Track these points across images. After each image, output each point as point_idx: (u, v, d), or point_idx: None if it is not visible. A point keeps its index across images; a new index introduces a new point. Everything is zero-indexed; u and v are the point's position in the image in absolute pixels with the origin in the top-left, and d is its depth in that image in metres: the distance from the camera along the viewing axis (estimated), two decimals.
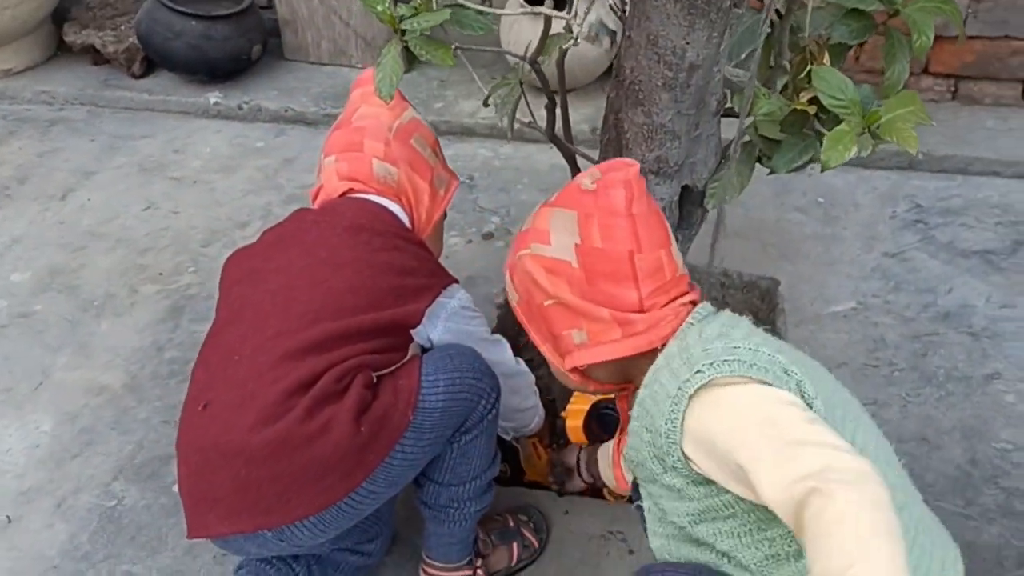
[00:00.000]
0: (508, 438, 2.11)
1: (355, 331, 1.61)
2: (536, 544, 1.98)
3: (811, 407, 1.19)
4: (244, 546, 1.59)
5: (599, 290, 1.37)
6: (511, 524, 1.99)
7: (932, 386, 2.39)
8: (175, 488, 2.17)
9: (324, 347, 1.57)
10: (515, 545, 1.96)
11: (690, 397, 1.21)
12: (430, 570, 1.87)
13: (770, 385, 1.19)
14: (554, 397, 2.25)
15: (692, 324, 1.35)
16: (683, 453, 1.23)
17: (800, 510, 1.04)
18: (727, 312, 1.40)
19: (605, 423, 2.00)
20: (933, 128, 3.33)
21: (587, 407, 2.00)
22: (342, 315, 1.61)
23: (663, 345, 1.36)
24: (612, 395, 1.84)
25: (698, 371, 1.21)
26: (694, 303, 1.42)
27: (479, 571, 1.90)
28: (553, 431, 2.25)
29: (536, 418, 2.09)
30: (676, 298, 1.40)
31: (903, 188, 3.20)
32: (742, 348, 1.23)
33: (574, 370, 1.47)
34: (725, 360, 1.21)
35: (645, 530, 1.43)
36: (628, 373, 1.47)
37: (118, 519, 2.12)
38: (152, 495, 2.17)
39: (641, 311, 1.36)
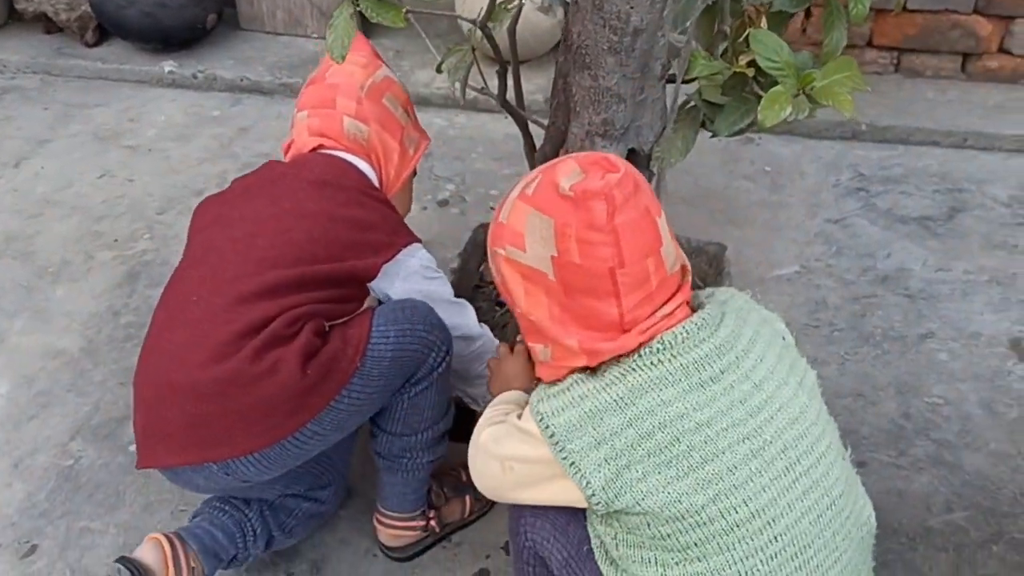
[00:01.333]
0: (478, 408, 2.13)
1: (309, 279, 1.66)
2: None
3: (630, 489, 1.26)
4: (192, 479, 1.65)
5: (578, 303, 1.30)
6: (464, 478, 2.04)
7: (869, 345, 2.48)
8: (132, 448, 2.20)
9: (277, 292, 1.63)
10: (468, 498, 2.02)
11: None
12: (384, 520, 1.92)
13: (564, 475, 1.28)
14: None
15: (632, 364, 1.28)
16: None
17: None
18: (700, 350, 1.28)
19: None
20: (876, 100, 3.45)
21: None
22: (299, 263, 1.66)
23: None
24: None
25: (537, 411, 1.31)
26: (686, 302, 1.35)
27: (432, 522, 1.96)
28: None
29: None
30: (663, 303, 1.32)
31: (847, 157, 3.29)
32: (585, 433, 1.27)
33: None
34: (547, 425, 1.29)
35: None
36: None
37: (76, 478, 2.15)
38: (109, 454, 2.20)
39: (621, 325, 1.29)
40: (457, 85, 2.10)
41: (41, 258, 2.86)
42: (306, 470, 1.79)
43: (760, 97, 1.78)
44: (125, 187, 3.20)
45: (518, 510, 1.50)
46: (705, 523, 1.24)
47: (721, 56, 1.82)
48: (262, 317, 1.59)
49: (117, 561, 1.64)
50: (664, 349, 1.27)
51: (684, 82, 1.81)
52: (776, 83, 1.70)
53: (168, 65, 3.87)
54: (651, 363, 1.27)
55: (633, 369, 1.27)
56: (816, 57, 1.80)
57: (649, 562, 1.29)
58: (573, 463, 1.26)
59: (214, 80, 3.84)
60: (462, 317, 1.91)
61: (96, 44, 4.04)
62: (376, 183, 1.92)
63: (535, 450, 1.31)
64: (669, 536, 1.26)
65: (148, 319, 2.56)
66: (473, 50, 2.08)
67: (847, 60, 1.77)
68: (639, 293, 1.28)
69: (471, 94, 2.14)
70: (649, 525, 1.26)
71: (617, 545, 1.34)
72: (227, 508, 1.82)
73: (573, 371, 1.33)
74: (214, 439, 1.57)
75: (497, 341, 1.99)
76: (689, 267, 1.38)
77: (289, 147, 1.97)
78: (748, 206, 3.05)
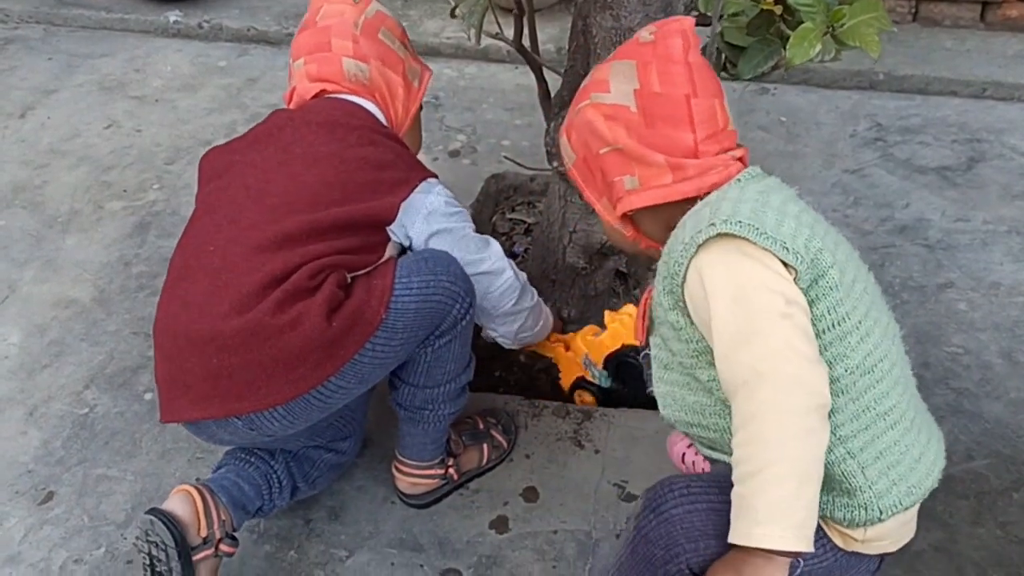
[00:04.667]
0: (509, 345, 2.04)
1: (329, 225, 1.63)
2: (506, 445, 2.04)
3: (825, 276, 1.26)
4: (216, 433, 1.63)
5: (657, 132, 1.40)
6: (481, 426, 2.04)
7: (888, 295, 2.45)
8: (148, 396, 2.20)
9: (297, 240, 1.59)
10: (485, 446, 2.01)
11: (699, 246, 1.28)
12: (403, 468, 1.92)
13: (769, 264, 1.24)
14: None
15: (739, 181, 1.38)
16: (683, 293, 1.32)
17: (733, 393, 1.21)
18: (774, 178, 1.42)
19: (627, 371, 2.01)
20: (894, 48, 3.40)
21: (626, 341, 2.00)
22: (316, 208, 1.63)
23: (711, 191, 1.40)
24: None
25: (712, 223, 1.27)
26: (742, 161, 1.44)
27: (451, 470, 1.95)
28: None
29: (543, 317, 2.06)
30: (728, 150, 1.43)
31: (864, 107, 3.25)
32: (768, 215, 1.26)
33: (626, 222, 1.49)
34: (741, 221, 1.25)
35: (650, 379, 1.50)
36: (675, 224, 1.44)
37: (91, 426, 2.14)
38: (125, 402, 2.19)
39: (696, 154, 1.40)
40: (472, 31, 2.06)
41: (50, 208, 2.84)
42: (328, 423, 1.77)
43: (785, 37, 1.75)
44: (133, 137, 3.17)
45: (669, 538, 1.36)
46: (861, 295, 1.31)
47: None
48: (283, 267, 1.56)
49: (148, 513, 1.61)
50: (755, 175, 1.40)
51: (703, 25, 1.77)
52: (802, 22, 1.67)
53: (173, 15, 3.82)
54: (758, 176, 1.39)
55: (748, 182, 1.37)
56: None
57: (832, 362, 1.27)
58: (779, 242, 1.24)
59: (220, 30, 3.79)
60: (487, 252, 1.85)
61: None
62: (384, 122, 1.87)
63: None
64: (850, 314, 1.28)
65: (160, 269, 2.57)
66: None
67: (874, 1, 1.73)
68: (709, 126, 1.40)
69: (484, 42, 2.10)
70: (838, 304, 1.27)
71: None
72: (253, 460, 1.80)
73: (666, 196, 1.41)
74: (237, 392, 1.54)
75: (524, 275, 1.95)
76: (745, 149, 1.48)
77: (291, 97, 1.92)
78: (764, 157, 3.01)
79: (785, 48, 1.67)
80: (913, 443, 1.34)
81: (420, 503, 1.94)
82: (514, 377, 2.28)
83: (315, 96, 1.87)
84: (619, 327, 2.04)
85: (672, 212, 1.40)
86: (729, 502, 1.23)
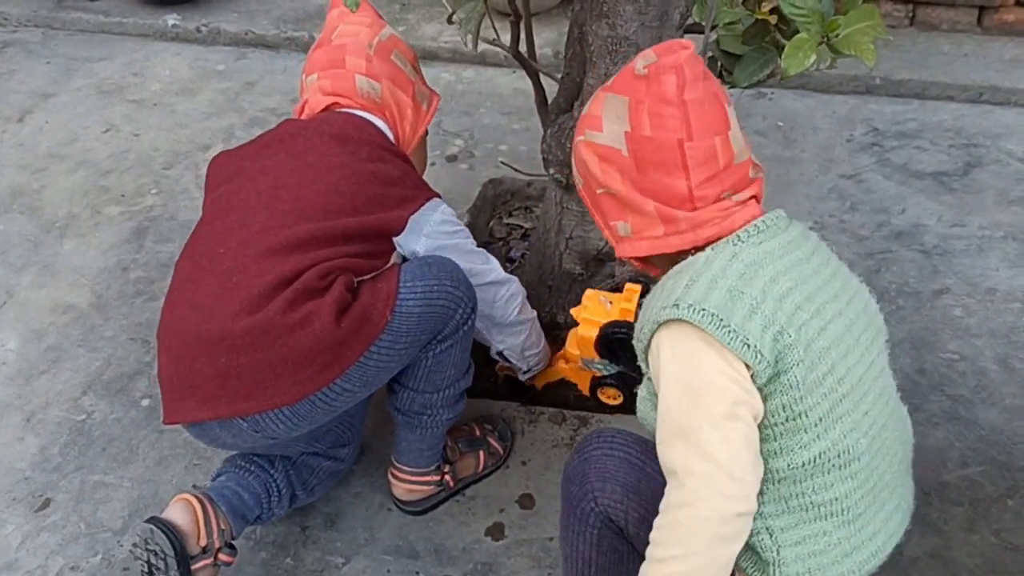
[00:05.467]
0: (523, 375, 2.11)
1: (339, 233, 1.64)
2: (502, 452, 2.04)
3: (787, 373, 1.23)
4: (219, 435, 1.63)
5: (649, 178, 1.33)
6: (478, 433, 2.04)
7: (884, 301, 2.46)
8: (145, 403, 2.20)
9: (308, 246, 1.61)
10: (482, 453, 2.02)
11: (660, 324, 1.28)
12: (399, 475, 1.92)
13: (726, 357, 1.22)
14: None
15: (739, 240, 1.31)
16: (647, 358, 1.33)
17: (667, 474, 1.23)
18: (784, 234, 1.34)
19: (613, 347, 2.00)
20: (891, 53, 3.40)
21: (601, 321, 1.97)
22: (327, 216, 1.65)
23: (708, 244, 1.34)
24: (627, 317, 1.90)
25: (677, 304, 1.25)
26: (756, 199, 1.38)
27: (447, 477, 1.95)
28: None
29: (543, 341, 2.09)
30: (733, 189, 1.34)
31: (861, 112, 3.25)
32: (741, 303, 1.23)
33: (633, 257, 1.47)
34: (705, 310, 1.23)
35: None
36: (679, 261, 1.43)
37: (88, 432, 2.15)
38: (122, 409, 2.20)
39: (691, 201, 1.32)
40: (469, 37, 2.07)
41: (48, 213, 2.84)
42: (328, 428, 1.78)
43: (780, 46, 1.76)
44: (131, 141, 3.17)
45: (581, 475, 1.47)
46: (828, 392, 1.27)
47: (743, 3, 1.78)
48: (294, 269, 1.58)
49: (148, 522, 1.62)
50: (763, 230, 1.32)
51: (700, 33, 1.78)
52: (797, 32, 1.68)
53: (171, 18, 3.82)
54: (757, 240, 1.31)
55: (742, 248, 1.30)
56: (838, 2, 1.76)
57: (776, 453, 1.27)
58: (741, 339, 1.22)
59: (218, 34, 3.79)
60: (488, 264, 1.90)
61: None
62: (393, 140, 1.91)
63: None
64: (808, 411, 1.25)
65: (157, 274, 2.58)
66: (485, 1, 2.04)
67: (869, 9, 1.74)
68: (706, 170, 1.31)
69: (481, 47, 2.11)
70: (796, 402, 1.25)
71: None
72: (252, 468, 1.80)
73: (656, 248, 1.36)
74: (245, 392, 1.55)
75: (522, 288, 1.99)
76: (762, 168, 1.40)
77: (302, 110, 1.95)
78: (761, 161, 2.94)
79: (781, 57, 1.68)
80: (847, 537, 1.32)
81: (416, 510, 1.95)
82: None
83: (325, 109, 1.89)
84: (587, 314, 2.02)
85: (676, 255, 1.38)
86: (645, 458, 1.36)
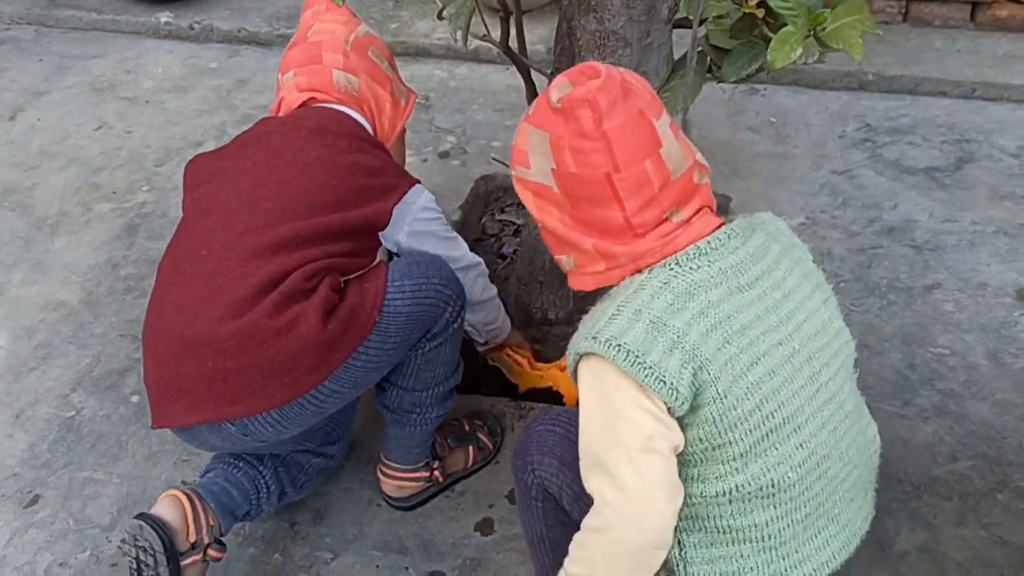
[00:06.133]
0: (480, 347, 2.12)
1: (324, 231, 1.64)
2: (491, 447, 2.04)
3: (706, 408, 1.24)
4: (208, 438, 1.63)
5: (585, 212, 1.30)
6: (467, 428, 2.04)
7: (875, 296, 2.46)
8: (134, 399, 2.20)
9: (292, 246, 1.60)
10: (471, 448, 2.02)
11: (581, 355, 1.29)
12: (389, 471, 1.92)
13: (643, 391, 1.22)
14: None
15: (676, 266, 1.28)
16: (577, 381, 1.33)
17: (590, 495, 1.24)
18: (732, 258, 1.30)
19: None
20: (883, 49, 3.40)
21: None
22: (310, 214, 1.64)
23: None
24: None
25: (595, 337, 1.25)
26: (706, 208, 1.34)
27: (436, 473, 1.95)
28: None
29: (501, 316, 2.08)
30: (675, 205, 1.30)
31: (853, 108, 3.25)
32: (663, 338, 1.22)
33: (582, 289, 1.44)
34: (622, 345, 1.22)
35: None
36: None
37: (77, 428, 2.14)
38: (111, 405, 2.19)
39: (631, 229, 1.29)
40: (459, 33, 2.06)
41: (39, 210, 2.84)
42: (318, 427, 1.78)
43: (768, 40, 1.75)
44: (123, 139, 3.17)
45: (524, 448, 1.50)
46: (753, 428, 1.26)
47: None
48: (279, 271, 1.57)
49: (137, 517, 1.62)
50: (701, 255, 1.29)
51: (689, 27, 1.78)
52: (784, 26, 1.67)
53: (164, 16, 3.81)
54: (692, 268, 1.28)
55: (675, 275, 1.27)
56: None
57: (693, 479, 1.28)
58: (656, 375, 1.21)
59: (211, 31, 3.79)
60: (459, 250, 1.91)
61: None
62: (371, 133, 1.90)
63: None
64: (728, 445, 1.25)
65: (148, 271, 2.57)
66: None
67: (858, 3, 1.74)
68: (641, 197, 1.28)
69: (472, 43, 2.10)
70: (715, 436, 1.25)
71: None
72: (241, 464, 1.80)
73: (600, 282, 1.34)
74: (232, 395, 1.54)
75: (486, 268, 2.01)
76: (708, 169, 1.36)
77: (278, 108, 1.93)
78: (753, 158, 3.01)
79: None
80: (767, 563, 1.32)
81: (405, 505, 1.95)
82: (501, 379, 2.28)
83: (302, 105, 1.88)
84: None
85: None
86: None
